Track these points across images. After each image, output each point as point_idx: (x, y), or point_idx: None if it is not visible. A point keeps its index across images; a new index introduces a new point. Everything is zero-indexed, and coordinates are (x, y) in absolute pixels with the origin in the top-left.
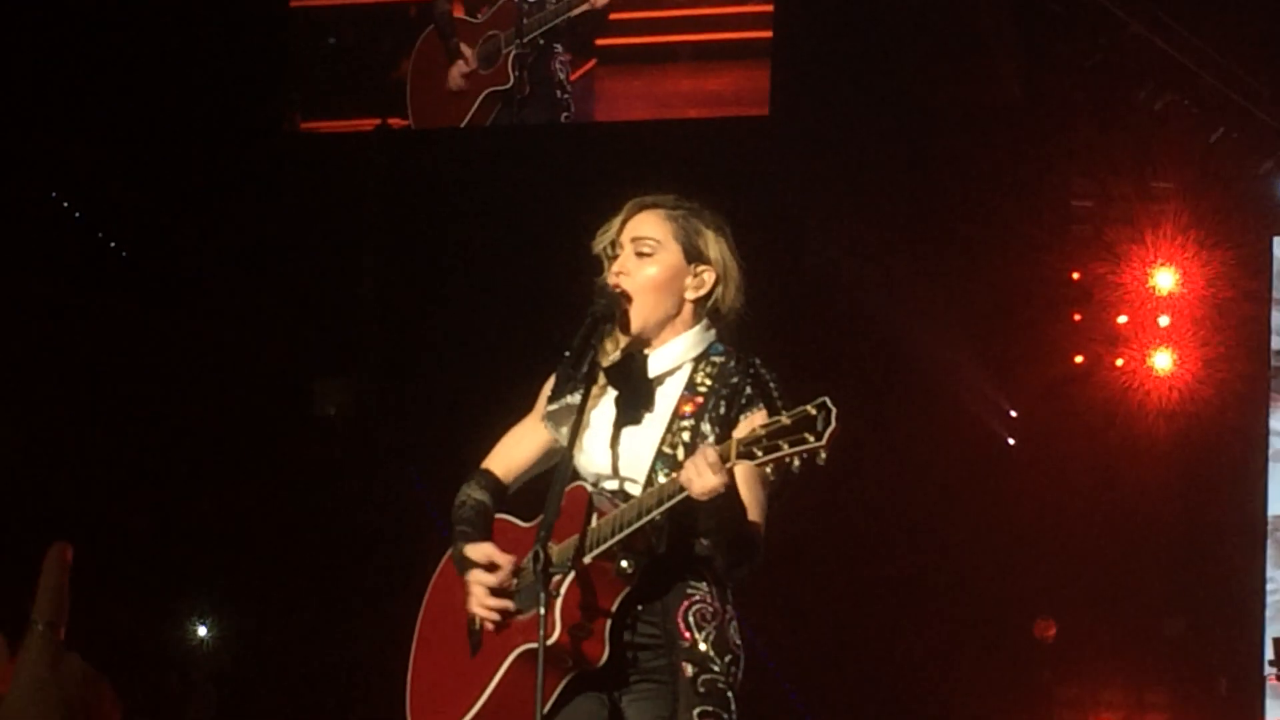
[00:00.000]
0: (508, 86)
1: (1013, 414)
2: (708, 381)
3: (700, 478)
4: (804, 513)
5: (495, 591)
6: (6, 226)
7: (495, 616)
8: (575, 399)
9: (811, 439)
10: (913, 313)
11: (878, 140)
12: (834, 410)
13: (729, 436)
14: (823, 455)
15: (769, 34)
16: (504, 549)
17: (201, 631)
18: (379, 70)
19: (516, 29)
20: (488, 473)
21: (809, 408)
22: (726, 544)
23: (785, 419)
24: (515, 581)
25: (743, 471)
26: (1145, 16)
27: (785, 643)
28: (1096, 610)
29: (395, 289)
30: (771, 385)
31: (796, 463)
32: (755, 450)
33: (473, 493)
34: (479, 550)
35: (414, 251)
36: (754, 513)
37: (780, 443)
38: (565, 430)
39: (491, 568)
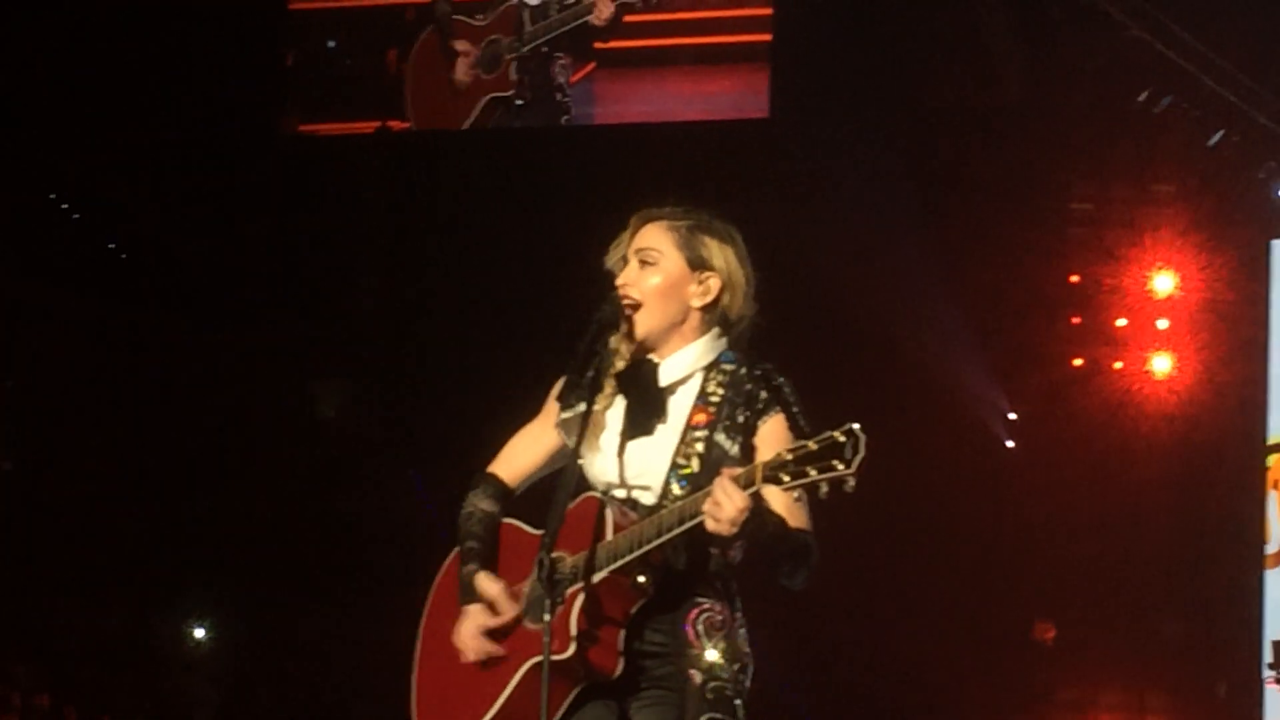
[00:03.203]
0: (509, 94)
1: (1012, 417)
2: (720, 390)
3: (718, 524)
4: None
5: (488, 634)
6: (5, 229)
7: (477, 658)
8: (585, 406)
9: (841, 466)
10: (912, 315)
11: (877, 143)
12: (863, 437)
13: (749, 445)
14: (851, 483)
15: (768, 37)
16: (511, 555)
17: (199, 634)
18: (378, 72)
19: (519, 36)
20: (494, 478)
21: (837, 434)
22: (784, 557)
23: (812, 445)
24: (525, 594)
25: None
26: (1145, 19)
27: (786, 647)
28: (1096, 613)
29: (395, 291)
30: (786, 389)
31: (824, 489)
32: (782, 475)
33: (480, 503)
34: (488, 587)
35: (414, 253)
36: (797, 517)
37: (808, 469)
38: (575, 437)
39: (493, 610)
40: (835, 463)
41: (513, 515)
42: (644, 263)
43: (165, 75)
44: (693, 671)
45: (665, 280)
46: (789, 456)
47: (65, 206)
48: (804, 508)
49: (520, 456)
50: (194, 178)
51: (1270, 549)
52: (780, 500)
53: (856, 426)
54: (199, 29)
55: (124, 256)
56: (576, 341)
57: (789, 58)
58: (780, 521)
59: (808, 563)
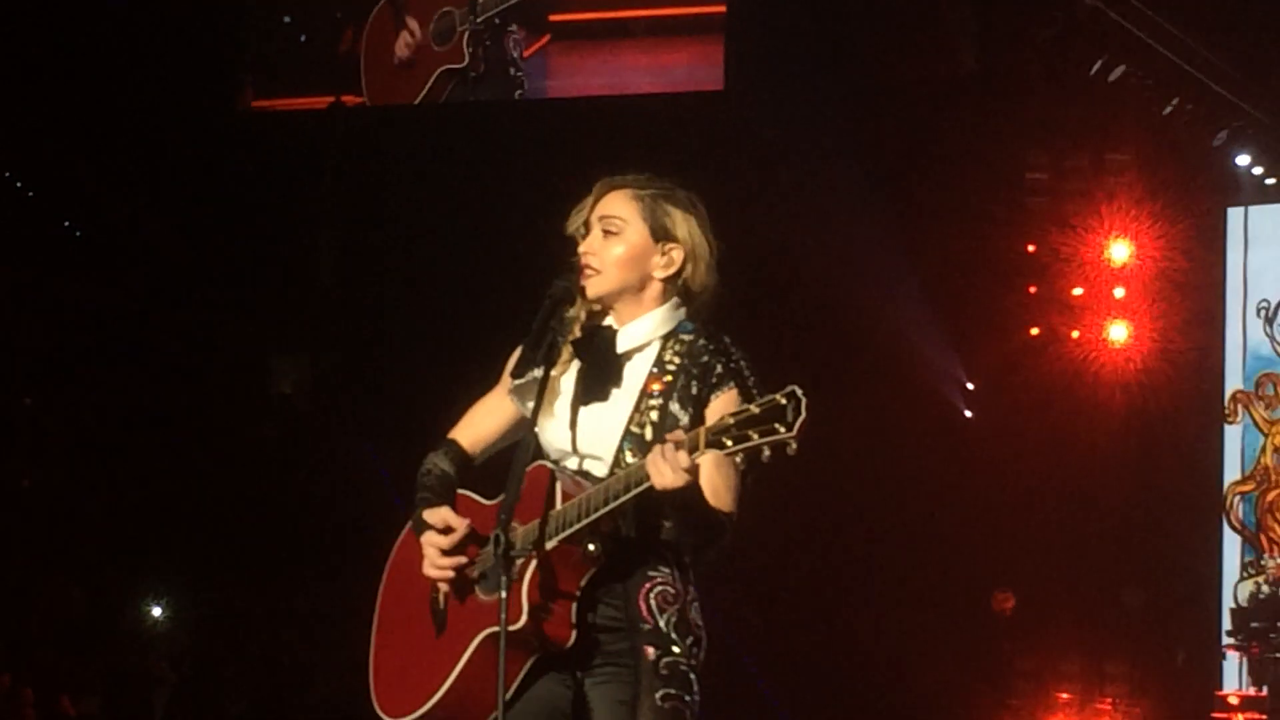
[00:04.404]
0: (462, 65)
1: (969, 387)
2: (676, 360)
3: (661, 476)
4: (762, 486)
5: (448, 552)
6: None
7: (447, 575)
8: (540, 373)
9: (782, 429)
10: (868, 285)
11: (833, 114)
12: (804, 400)
13: (701, 416)
14: (793, 445)
15: (723, 9)
16: None
17: (157, 612)
18: (333, 47)
19: (471, 7)
20: (454, 443)
21: (779, 397)
22: (690, 529)
23: (754, 408)
24: (479, 557)
25: (714, 455)
26: None
27: (746, 620)
28: (1055, 582)
29: (352, 265)
30: (743, 364)
31: (766, 452)
32: (724, 440)
33: (438, 462)
34: (436, 514)
35: (370, 227)
36: (725, 497)
37: (750, 432)
38: (531, 405)
39: (446, 530)
40: (777, 425)
41: (470, 487)
42: (607, 231)
43: (120, 51)
44: (647, 646)
45: (628, 250)
46: (731, 421)
47: (19, 184)
48: (735, 489)
49: (479, 425)
50: (149, 153)
51: None
52: (717, 474)
53: (798, 389)
54: (155, 4)
55: (79, 234)
56: (533, 315)
57: (744, 29)
58: (704, 496)
59: (716, 543)
